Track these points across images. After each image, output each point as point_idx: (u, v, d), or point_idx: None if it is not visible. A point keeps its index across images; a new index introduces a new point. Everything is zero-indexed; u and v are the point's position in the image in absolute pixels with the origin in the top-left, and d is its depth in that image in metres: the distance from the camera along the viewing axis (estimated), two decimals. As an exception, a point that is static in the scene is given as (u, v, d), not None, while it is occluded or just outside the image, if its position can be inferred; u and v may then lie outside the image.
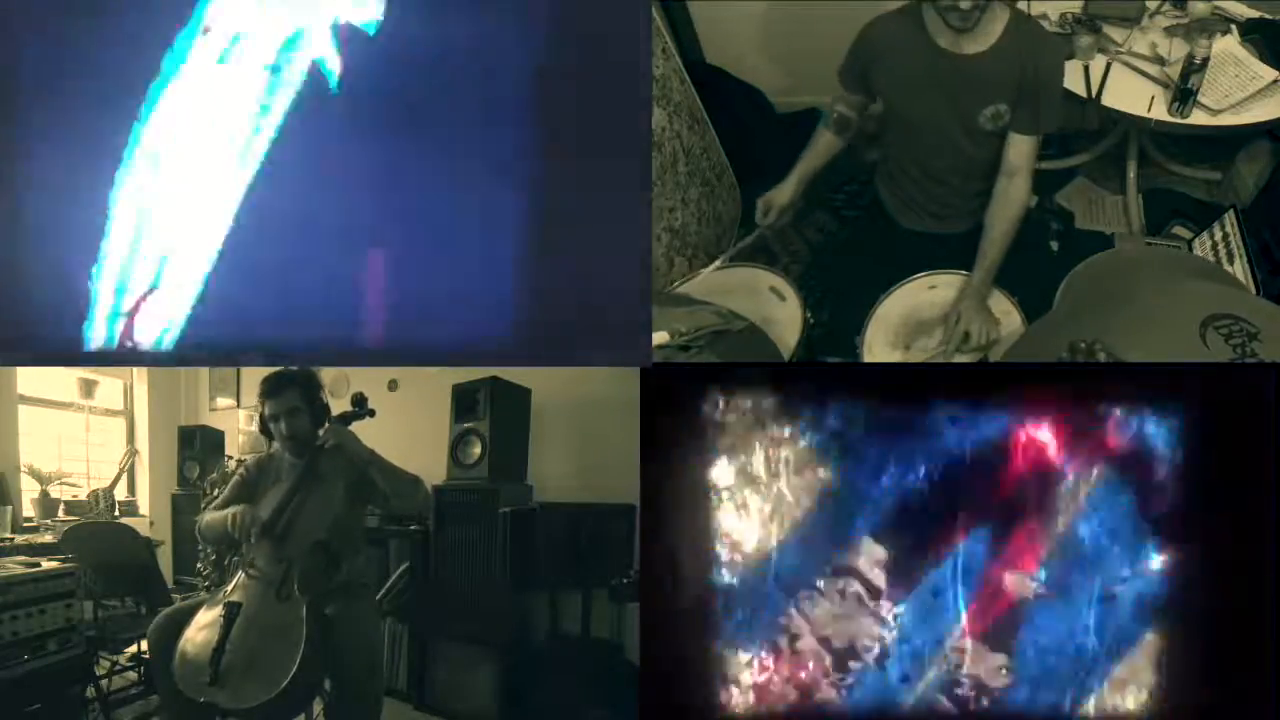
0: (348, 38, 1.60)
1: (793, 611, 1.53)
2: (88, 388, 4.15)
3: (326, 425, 2.12)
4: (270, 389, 2.14)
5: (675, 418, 1.53)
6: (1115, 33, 2.78)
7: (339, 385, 3.41)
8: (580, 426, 3.15)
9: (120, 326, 1.64)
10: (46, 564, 2.50)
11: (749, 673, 1.53)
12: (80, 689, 2.50)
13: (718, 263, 2.57)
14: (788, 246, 3.19)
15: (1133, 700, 1.49)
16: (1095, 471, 1.49)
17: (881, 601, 1.53)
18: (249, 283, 1.65)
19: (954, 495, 1.51)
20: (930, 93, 2.23)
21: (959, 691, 1.52)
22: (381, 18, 1.61)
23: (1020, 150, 2.22)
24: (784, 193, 2.44)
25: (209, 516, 2.15)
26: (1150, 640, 1.49)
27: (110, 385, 4.34)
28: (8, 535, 3.34)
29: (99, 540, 3.08)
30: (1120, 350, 1.54)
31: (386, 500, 2.12)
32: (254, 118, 1.61)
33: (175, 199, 1.63)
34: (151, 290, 1.64)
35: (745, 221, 3.36)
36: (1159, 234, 2.94)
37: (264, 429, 2.20)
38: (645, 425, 1.55)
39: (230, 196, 1.62)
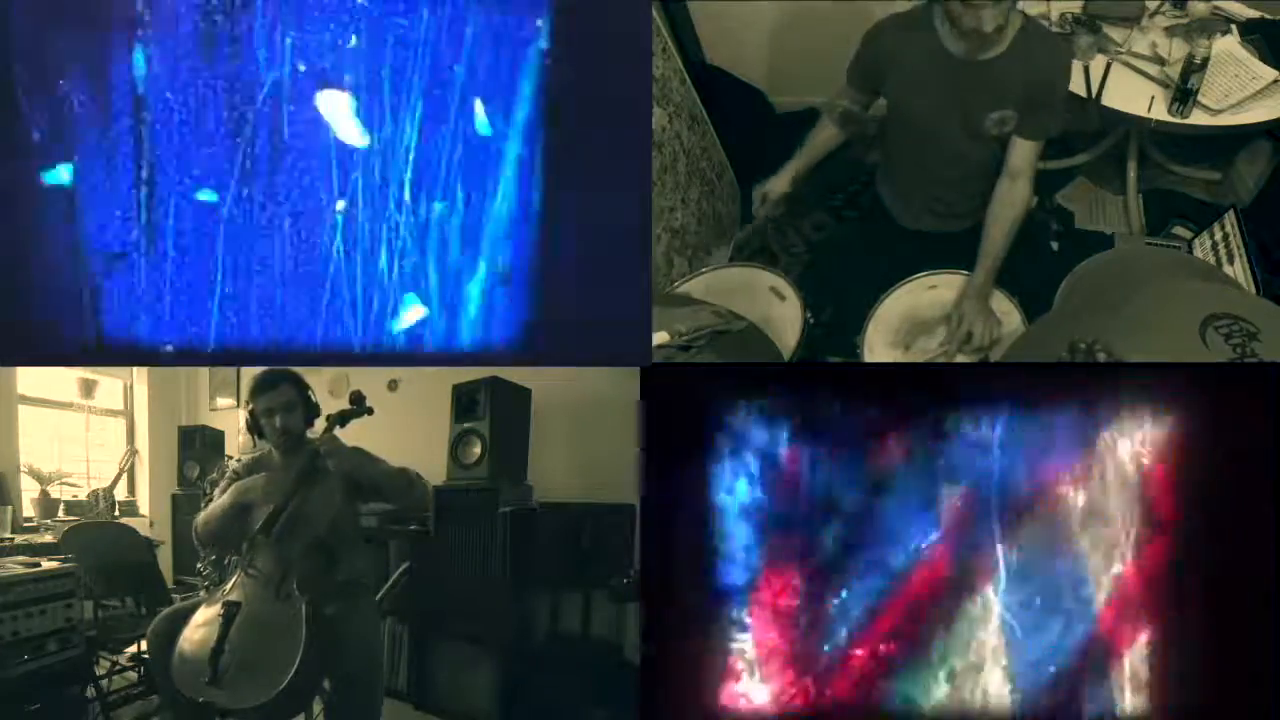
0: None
1: (793, 609, 1.53)
2: (88, 388, 4.15)
3: (320, 434, 2.10)
4: (264, 384, 2.13)
5: (675, 418, 1.53)
6: (1115, 33, 2.78)
7: (339, 385, 3.41)
8: (580, 426, 3.15)
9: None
10: (46, 564, 2.50)
11: (749, 671, 1.53)
12: (80, 689, 2.50)
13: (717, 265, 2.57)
14: (788, 246, 3.19)
15: (1133, 701, 1.49)
16: (1095, 471, 1.49)
17: (883, 602, 1.53)
18: (249, 281, 1.65)
19: (954, 495, 1.51)
20: (937, 96, 2.23)
21: (961, 691, 1.52)
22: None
23: (1024, 154, 2.22)
24: (781, 182, 2.44)
25: (204, 514, 2.15)
26: (1151, 640, 1.49)
27: (110, 385, 4.34)
28: (8, 535, 3.34)
29: (99, 540, 3.08)
30: (1120, 350, 1.54)
31: (385, 498, 2.12)
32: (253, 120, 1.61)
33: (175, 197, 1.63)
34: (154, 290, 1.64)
35: (745, 220, 3.36)
36: (1159, 234, 2.94)
37: (254, 426, 2.18)
38: (645, 425, 1.55)
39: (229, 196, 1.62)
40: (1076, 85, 2.66)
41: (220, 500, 2.09)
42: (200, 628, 1.92)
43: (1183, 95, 2.56)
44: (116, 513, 3.96)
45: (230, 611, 1.90)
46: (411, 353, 1.71)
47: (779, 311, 2.31)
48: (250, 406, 2.16)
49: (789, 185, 2.44)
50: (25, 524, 3.61)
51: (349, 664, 1.99)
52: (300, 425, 2.14)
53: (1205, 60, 2.50)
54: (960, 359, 2.14)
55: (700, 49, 3.23)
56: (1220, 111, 2.58)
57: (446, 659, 2.92)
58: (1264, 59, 2.66)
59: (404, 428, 3.00)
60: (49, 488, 3.86)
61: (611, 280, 1.68)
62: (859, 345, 2.24)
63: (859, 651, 1.53)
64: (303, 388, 2.17)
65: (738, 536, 1.53)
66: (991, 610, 1.52)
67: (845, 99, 2.40)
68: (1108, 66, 2.72)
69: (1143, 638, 1.49)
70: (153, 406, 4.43)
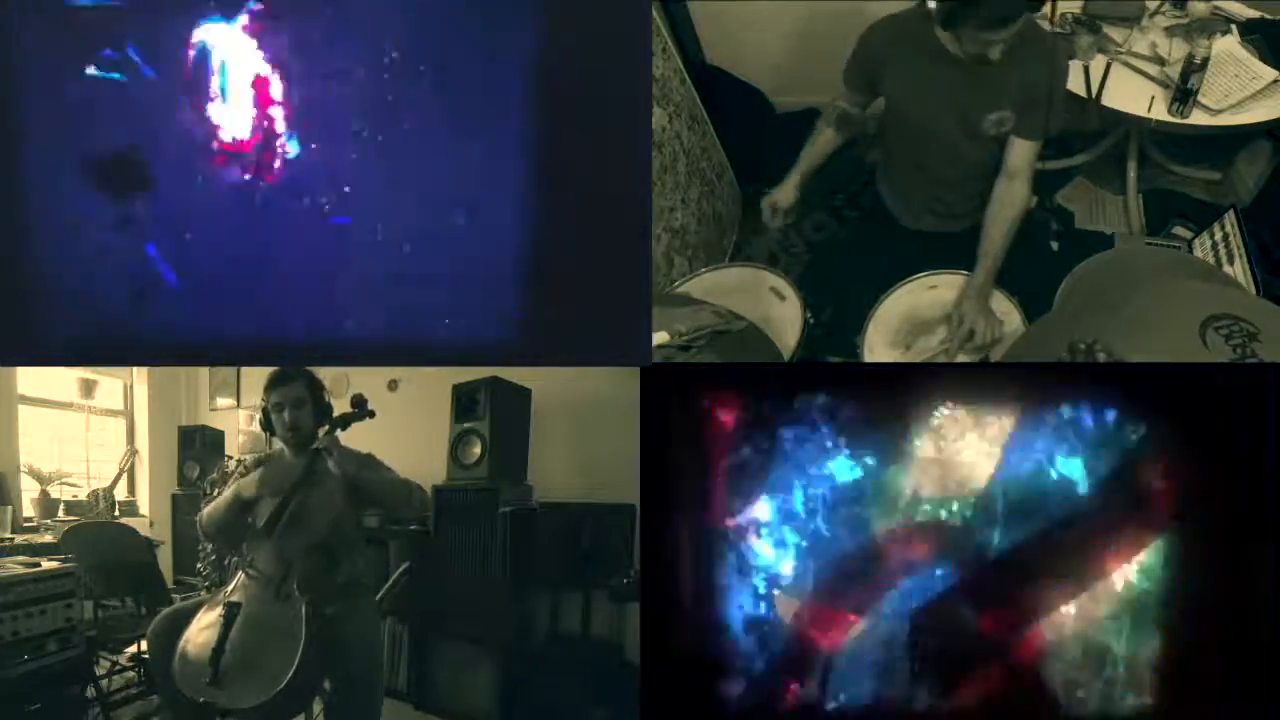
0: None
1: (793, 609, 1.53)
2: (88, 388, 4.15)
3: (321, 440, 2.09)
4: (278, 379, 2.15)
5: (675, 418, 1.53)
6: (1115, 33, 2.78)
7: (339, 385, 3.40)
8: (580, 426, 3.15)
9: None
10: (46, 564, 2.50)
11: (749, 672, 1.53)
12: (80, 689, 2.50)
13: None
14: (788, 247, 3.19)
15: (1133, 701, 1.49)
16: (1095, 471, 1.49)
17: (884, 601, 1.53)
18: (249, 281, 1.65)
19: (953, 495, 1.51)
20: (936, 96, 2.23)
21: (962, 692, 1.52)
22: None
23: (1022, 154, 2.22)
24: (787, 192, 2.44)
25: (209, 508, 2.14)
26: (1150, 641, 1.49)
27: (110, 385, 4.34)
28: (8, 535, 3.34)
29: (99, 540, 3.08)
30: (1120, 350, 1.54)
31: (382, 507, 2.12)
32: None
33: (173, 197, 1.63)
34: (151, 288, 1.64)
35: (745, 222, 3.37)
36: (1159, 234, 2.94)
37: (265, 421, 2.20)
38: (645, 425, 1.55)
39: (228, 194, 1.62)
40: (1076, 85, 2.67)
41: (222, 495, 2.11)
42: (205, 630, 1.93)
43: (1183, 95, 2.56)
44: (116, 513, 3.96)
45: (231, 612, 1.90)
46: (411, 353, 1.71)
47: (779, 311, 2.31)
48: (262, 401, 2.17)
49: (795, 192, 2.44)
50: (25, 524, 3.61)
51: (349, 664, 1.99)
52: (310, 423, 2.15)
53: (1205, 60, 2.50)
54: (960, 359, 2.15)
55: (700, 49, 3.24)
56: (1220, 111, 2.58)
57: (446, 659, 2.92)
58: (1264, 59, 2.66)
59: (404, 428, 2.99)
60: (49, 488, 3.86)
61: (611, 280, 1.68)
62: (859, 345, 2.24)
63: (859, 649, 1.53)
64: (315, 387, 2.17)
65: (737, 535, 1.53)
66: (989, 610, 1.52)
67: (843, 100, 2.41)
68: (1108, 66, 2.72)
69: (1143, 637, 1.49)
70: (153, 406, 4.43)
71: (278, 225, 1.64)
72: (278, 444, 2.22)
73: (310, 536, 2.04)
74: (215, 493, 2.50)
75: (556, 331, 1.69)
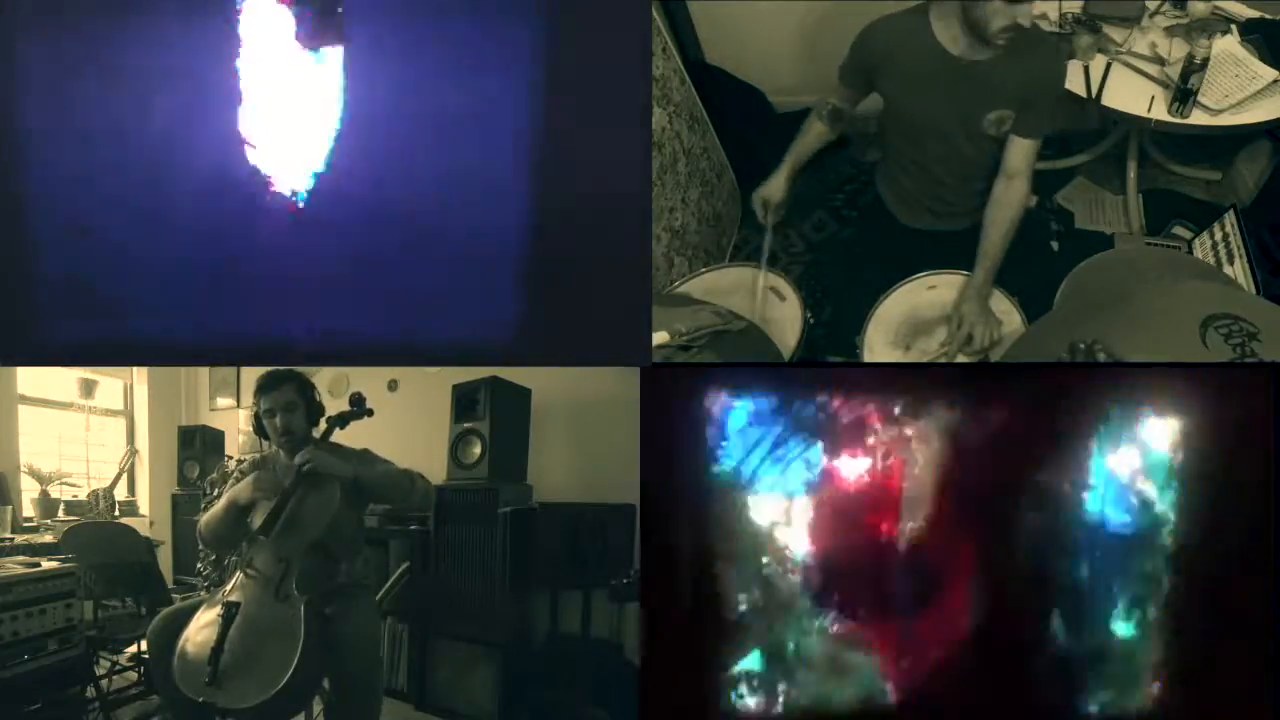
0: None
1: (794, 608, 1.53)
2: (88, 388, 4.15)
3: (305, 454, 2.05)
4: (267, 384, 2.13)
5: (675, 418, 1.53)
6: (1115, 33, 2.78)
7: (339, 385, 3.41)
8: (580, 426, 3.15)
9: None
10: (46, 564, 2.50)
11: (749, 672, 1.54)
12: (80, 689, 2.50)
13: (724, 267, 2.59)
14: (788, 246, 3.19)
15: (1132, 700, 1.50)
16: (1095, 471, 1.50)
17: (882, 599, 1.53)
18: (249, 281, 1.65)
19: (954, 495, 1.51)
20: (935, 95, 2.23)
21: (962, 692, 1.52)
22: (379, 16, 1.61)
23: (1021, 153, 2.22)
24: (777, 187, 2.44)
25: (206, 516, 2.14)
26: (1150, 640, 1.49)
27: (110, 385, 4.34)
28: (8, 535, 3.34)
29: (99, 540, 3.08)
30: (1120, 350, 1.54)
31: (386, 500, 2.11)
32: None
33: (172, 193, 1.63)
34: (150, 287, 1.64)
35: (745, 221, 3.36)
36: (1159, 234, 2.94)
37: (258, 426, 2.19)
38: (645, 425, 1.55)
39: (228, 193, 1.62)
40: (1076, 85, 2.67)
41: (218, 504, 2.10)
42: (204, 629, 1.92)
43: (1183, 95, 2.56)
44: (116, 513, 3.96)
45: (230, 612, 1.90)
46: (411, 353, 1.72)
47: (779, 312, 2.31)
48: (253, 407, 2.17)
49: (785, 186, 2.44)
50: (25, 524, 3.61)
51: (349, 664, 1.99)
52: (303, 425, 2.14)
53: (1205, 60, 2.50)
54: (960, 359, 2.15)
55: (700, 49, 3.23)
56: (1220, 111, 2.58)
57: (446, 659, 2.92)
58: (1264, 59, 2.66)
59: (404, 428, 3.00)
60: (49, 488, 3.86)
61: (611, 280, 1.68)
62: (859, 345, 2.24)
63: (858, 650, 1.53)
64: (306, 388, 2.16)
65: (737, 535, 1.53)
66: (991, 610, 1.52)
67: (837, 97, 2.41)
68: (1108, 66, 2.72)
69: (1142, 637, 1.49)
70: (153, 406, 4.43)
71: (278, 225, 1.64)
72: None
73: (309, 536, 2.03)
74: (215, 494, 2.49)
75: (556, 331, 1.69)
